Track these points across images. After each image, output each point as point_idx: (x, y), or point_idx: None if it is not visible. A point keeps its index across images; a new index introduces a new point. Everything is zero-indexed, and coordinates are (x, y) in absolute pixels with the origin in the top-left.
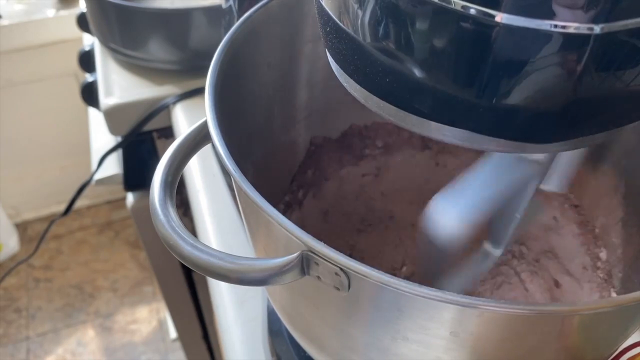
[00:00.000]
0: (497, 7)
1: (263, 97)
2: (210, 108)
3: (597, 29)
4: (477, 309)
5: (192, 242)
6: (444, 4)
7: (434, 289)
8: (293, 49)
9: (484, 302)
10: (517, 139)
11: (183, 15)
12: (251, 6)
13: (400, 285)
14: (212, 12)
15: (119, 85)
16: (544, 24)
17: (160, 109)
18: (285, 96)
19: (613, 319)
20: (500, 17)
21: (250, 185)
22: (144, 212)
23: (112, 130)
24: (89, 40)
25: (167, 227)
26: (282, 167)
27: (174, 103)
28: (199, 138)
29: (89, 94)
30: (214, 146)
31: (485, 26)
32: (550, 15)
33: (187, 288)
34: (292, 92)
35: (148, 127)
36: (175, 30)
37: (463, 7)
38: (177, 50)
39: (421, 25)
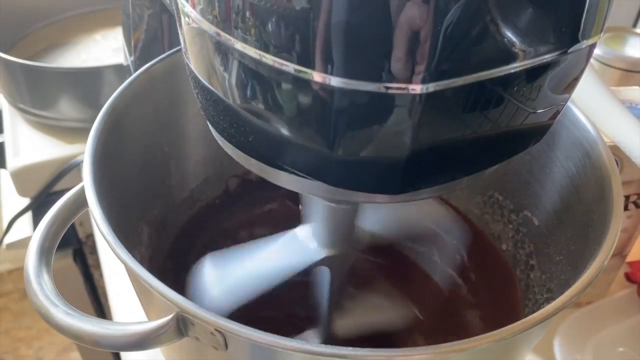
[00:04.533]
0: (327, 71)
1: (157, 155)
2: (89, 174)
3: (425, 88)
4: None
5: (65, 309)
6: (277, 65)
7: (303, 342)
8: (182, 106)
9: (352, 351)
10: (370, 190)
11: (93, 74)
12: (147, 62)
13: (271, 342)
14: (121, 70)
15: (28, 145)
16: (374, 86)
17: (71, 167)
18: (180, 152)
19: None
20: (329, 80)
21: (124, 248)
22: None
23: (21, 191)
24: None
25: (39, 296)
26: (180, 224)
27: None
28: (80, 202)
29: None
30: (90, 212)
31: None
32: (379, 78)
33: (112, 355)
34: (186, 148)
35: (59, 186)
36: (86, 88)
37: (296, 70)
38: (88, 108)
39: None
